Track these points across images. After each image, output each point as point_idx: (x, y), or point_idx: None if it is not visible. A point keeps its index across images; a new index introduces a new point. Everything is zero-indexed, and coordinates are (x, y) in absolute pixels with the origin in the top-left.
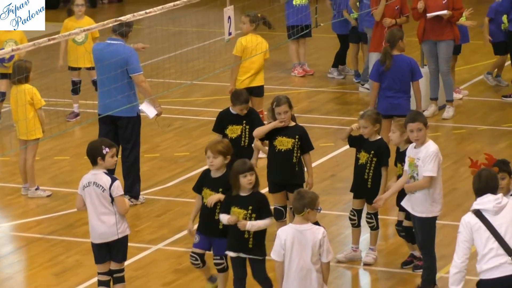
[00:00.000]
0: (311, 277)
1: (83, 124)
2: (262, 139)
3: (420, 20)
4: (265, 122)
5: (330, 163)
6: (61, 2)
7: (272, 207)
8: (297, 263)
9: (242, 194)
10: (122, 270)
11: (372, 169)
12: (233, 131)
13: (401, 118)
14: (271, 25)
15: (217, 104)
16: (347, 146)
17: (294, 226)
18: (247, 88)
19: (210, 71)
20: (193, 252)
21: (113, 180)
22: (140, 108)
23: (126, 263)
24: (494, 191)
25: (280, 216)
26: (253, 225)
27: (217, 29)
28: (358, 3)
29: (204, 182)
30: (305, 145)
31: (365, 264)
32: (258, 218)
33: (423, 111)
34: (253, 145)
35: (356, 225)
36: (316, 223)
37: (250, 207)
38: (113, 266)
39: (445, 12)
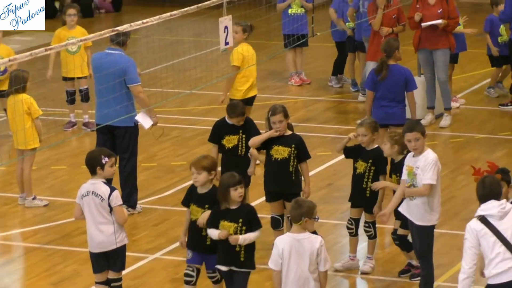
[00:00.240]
0: (309, 286)
1: (81, 134)
2: (258, 149)
3: (416, 29)
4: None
5: (327, 172)
6: (59, 11)
7: (269, 216)
8: (295, 272)
9: (232, 207)
10: (119, 280)
11: (371, 177)
12: (230, 141)
13: (393, 129)
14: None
15: (214, 114)
16: None
17: (292, 235)
18: (245, 99)
19: (207, 81)
20: (189, 266)
21: (112, 190)
22: (135, 118)
23: (123, 272)
24: (497, 197)
25: (277, 225)
26: (245, 239)
27: (214, 39)
28: (355, 13)
29: (191, 196)
30: (302, 154)
31: (363, 273)
32: (248, 230)
33: (420, 120)
34: (249, 154)
35: (354, 234)
36: (314, 232)
37: (241, 220)
38: (111, 275)
39: (439, 21)
